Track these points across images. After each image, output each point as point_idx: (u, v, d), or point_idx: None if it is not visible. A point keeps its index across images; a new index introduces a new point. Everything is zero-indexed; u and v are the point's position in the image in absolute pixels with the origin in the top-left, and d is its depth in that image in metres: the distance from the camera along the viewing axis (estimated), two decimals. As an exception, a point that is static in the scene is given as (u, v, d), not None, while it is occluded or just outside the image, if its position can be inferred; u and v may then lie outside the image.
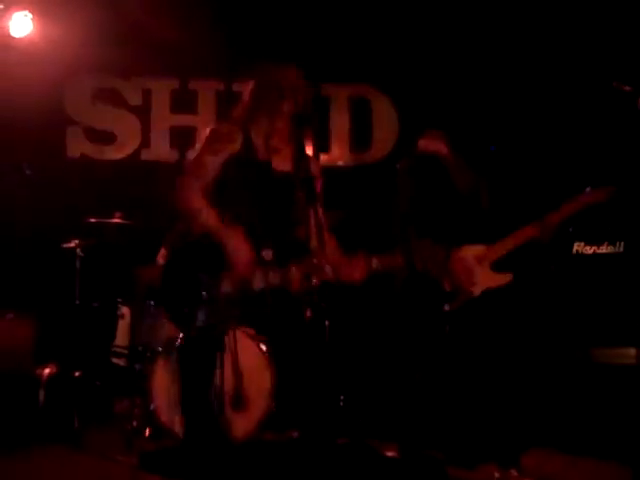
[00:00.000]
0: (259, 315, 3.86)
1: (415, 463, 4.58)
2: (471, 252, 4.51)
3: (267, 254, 3.77)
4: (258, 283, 3.77)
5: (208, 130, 3.91)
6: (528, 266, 4.60)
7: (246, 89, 3.93)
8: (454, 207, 4.62)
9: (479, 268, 4.50)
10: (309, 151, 3.86)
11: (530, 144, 5.89)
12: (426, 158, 4.73)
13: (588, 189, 4.44)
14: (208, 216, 3.71)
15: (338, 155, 7.10)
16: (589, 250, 5.33)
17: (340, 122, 7.14)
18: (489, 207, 4.61)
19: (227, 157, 3.80)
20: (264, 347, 4.89)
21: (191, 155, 4.00)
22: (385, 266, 3.81)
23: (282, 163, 3.89)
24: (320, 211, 3.67)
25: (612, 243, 5.21)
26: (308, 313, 4.57)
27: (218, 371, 4.02)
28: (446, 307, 4.52)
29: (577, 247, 5.37)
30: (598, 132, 5.98)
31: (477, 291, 4.51)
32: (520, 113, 6.23)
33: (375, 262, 3.80)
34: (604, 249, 5.27)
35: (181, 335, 4.05)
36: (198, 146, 3.94)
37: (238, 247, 3.68)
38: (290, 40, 6.55)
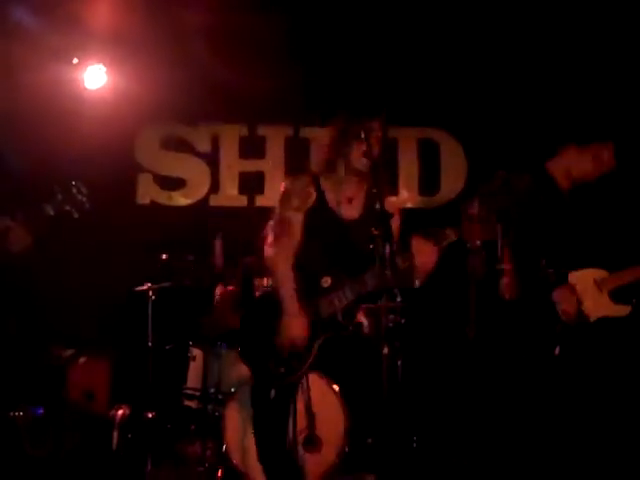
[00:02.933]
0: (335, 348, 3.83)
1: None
2: (591, 274, 4.34)
3: (325, 281, 3.77)
4: (326, 310, 3.80)
5: (282, 186, 3.98)
6: None
7: (325, 137, 3.96)
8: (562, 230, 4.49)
9: (597, 294, 4.33)
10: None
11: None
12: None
13: None
14: (286, 287, 3.80)
15: (406, 197, 7.08)
16: None
17: (409, 165, 7.13)
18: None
19: (306, 212, 3.88)
20: (337, 388, 4.86)
21: (276, 217, 3.96)
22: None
23: (353, 211, 3.93)
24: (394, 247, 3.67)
25: None
26: (385, 350, 4.54)
27: (291, 413, 4.02)
28: (557, 328, 4.36)
29: None
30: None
31: (593, 316, 4.33)
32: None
33: (450, 232, 3.76)
34: None
35: (256, 381, 4.03)
36: (277, 205, 3.98)
37: (293, 324, 3.75)
38: (359, 84, 6.59)
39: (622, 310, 4.30)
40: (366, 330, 4.47)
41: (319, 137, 4.04)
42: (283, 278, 3.81)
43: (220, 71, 6.59)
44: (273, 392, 3.90)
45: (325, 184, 3.93)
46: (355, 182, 3.93)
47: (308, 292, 3.83)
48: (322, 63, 6.76)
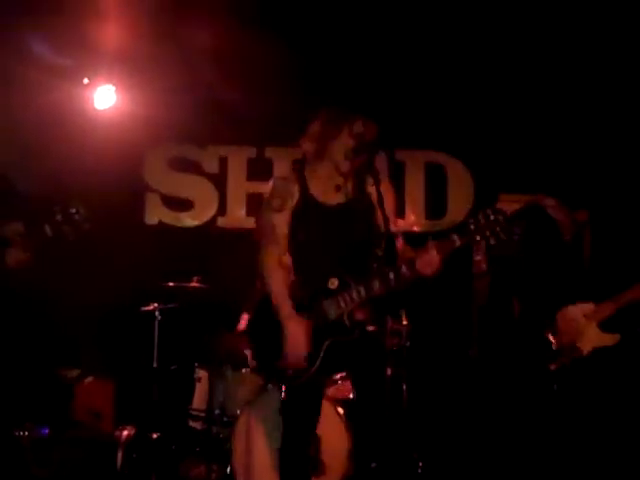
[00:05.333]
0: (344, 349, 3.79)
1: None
2: (580, 310, 4.44)
3: (332, 283, 3.76)
4: (332, 313, 3.74)
5: (269, 186, 3.94)
6: (635, 326, 4.47)
7: (311, 131, 3.91)
8: (558, 261, 4.57)
9: (588, 326, 4.42)
10: (388, 210, 3.78)
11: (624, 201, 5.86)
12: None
13: None
14: (277, 290, 3.75)
15: (413, 221, 7.09)
16: None
17: (415, 188, 7.15)
18: (590, 259, 4.54)
19: (291, 210, 3.83)
20: (341, 411, 4.86)
21: (258, 220, 3.97)
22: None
23: (340, 196, 3.88)
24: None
25: None
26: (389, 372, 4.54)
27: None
28: (552, 366, 4.42)
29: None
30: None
31: (586, 350, 4.42)
32: (604, 172, 6.23)
33: (455, 238, 3.61)
34: None
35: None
36: (260, 208, 3.97)
37: (296, 341, 3.68)
38: (366, 107, 6.59)
39: (611, 339, 4.41)
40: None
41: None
42: (272, 280, 3.76)
43: (228, 93, 6.62)
44: (284, 394, 3.86)
45: (309, 179, 3.87)
46: (341, 174, 3.86)
47: (314, 294, 3.76)
48: (331, 87, 6.78)
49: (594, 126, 6.56)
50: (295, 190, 3.85)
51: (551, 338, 4.47)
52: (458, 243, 3.58)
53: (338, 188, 3.87)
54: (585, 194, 6.22)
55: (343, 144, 3.80)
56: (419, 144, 7.12)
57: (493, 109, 6.89)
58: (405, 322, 5.53)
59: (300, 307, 3.76)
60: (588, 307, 4.45)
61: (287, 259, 3.85)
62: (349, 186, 3.88)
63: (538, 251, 4.53)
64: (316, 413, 3.91)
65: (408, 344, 5.57)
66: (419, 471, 5.33)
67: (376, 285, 3.68)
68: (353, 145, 3.78)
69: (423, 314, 5.81)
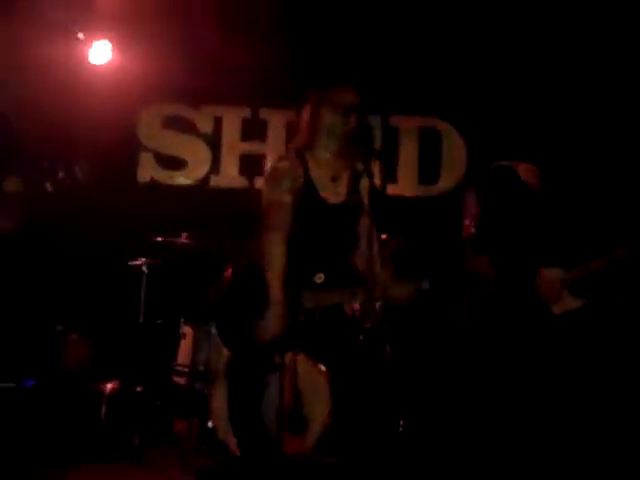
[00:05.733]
0: (311, 337, 3.84)
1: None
2: (551, 274, 4.58)
3: (319, 277, 3.78)
4: (308, 303, 3.76)
5: (271, 166, 3.94)
6: (602, 291, 4.59)
7: (303, 116, 3.93)
8: (533, 228, 4.63)
9: (560, 289, 4.58)
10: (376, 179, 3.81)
11: (603, 173, 5.87)
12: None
13: None
14: (274, 270, 3.71)
15: (406, 186, 7.09)
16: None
17: (409, 154, 7.15)
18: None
19: (295, 194, 3.81)
20: (323, 368, 4.90)
21: (266, 199, 3.83)
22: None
23: (338, 194, 3.89)
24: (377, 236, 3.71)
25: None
26: (361, 337, 4.58)
27: (278, 391, 4.03)
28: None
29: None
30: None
31: (557, 311, 4.59)
32: (592, 142, 6.23)
33: (425, 283, 3.74)
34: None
35: (232, 355, 4.04)
36: (265, 186, 3.90)
37: (273, 327, 3.68)
38: (361, 72, 6.60)
39: (579, 302, 4.57)
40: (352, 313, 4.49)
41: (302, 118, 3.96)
42: (273, 263, 3.72)
43: (225, 53, 6.62)
44: (251, 366, 3.89)
45: (310, 163, 3.87)
46: (338, 161, 3.91)
47: (298, 283, 3.76)
48: (326, 52, 6.77)
49: (586, 93, 6.55)
50: (300, 175, 3.83)
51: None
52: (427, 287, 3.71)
53: (334, 179, 3.87)
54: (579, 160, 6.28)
55: (330, 115, 3.81)
56: (414, 110, 7.11)
57: (490, 78, 6.86)
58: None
59: None
60: (560, 272, 4.57)
61: None
62: (345, 178, 3.90)
63: (512, 213, 4.61)
64: (260, 384, 3.87)
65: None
66: (400, 429, 5.39)
67: (360, 296, 3.75)
68: (338, 116, 3.79)
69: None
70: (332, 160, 3.88)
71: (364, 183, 3.87)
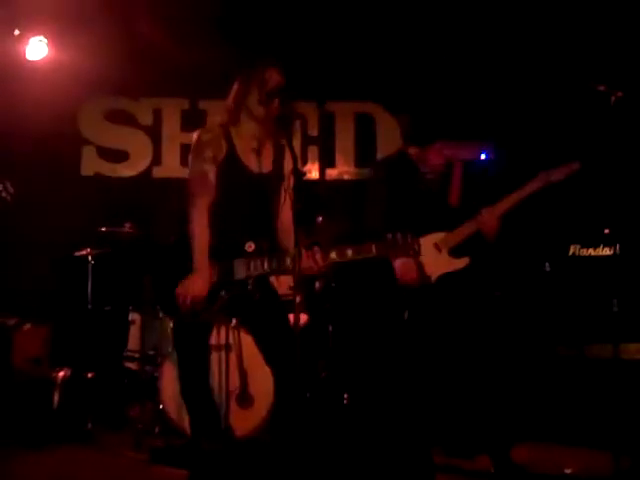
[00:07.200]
0: (243, 305, 3.98)
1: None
2: (429, 240, 4.61)
3: (249, 246, 3.95)
4: (240, 273, 3.92)
5: (195, 137, 4.05)
6: (486, 249, 4.70)
7: (231, 93, 4.07)
8: (422, 204, 4.74)
9: (436, 255, 4.63)
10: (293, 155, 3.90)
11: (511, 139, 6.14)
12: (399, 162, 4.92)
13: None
14: (198, 236, 3.89)
15: (343, 170, 7.32)
16: (585, 252, 5.53)
17: (345, 138, 7.37)
18: (458, 204, 4.76)
19: (218, 164, 3.96)
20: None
21: (189, 169, 4.03)
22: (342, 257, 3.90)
23: (262, 166, 4.03)
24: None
25: (609, 245, 5.39)
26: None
27: (223, 370, 4.20)
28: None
29: (573, 249, 5.58)
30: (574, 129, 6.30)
31: (434, 276, 4.62)
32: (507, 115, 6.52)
33: (334, 253, 3.89)
34: (600, 252, 5.47)
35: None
36: (189, 157, 4.05)
37: (195, 282, 3.85)
38: (296, 58, 6.75)
39: (460, 263, 4.63)
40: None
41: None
42: (197, 231, 3.90)
43: (162, 45, 6.73)
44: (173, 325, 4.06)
45: (234, 136, 4.01)
46: (260, 132, 4.02)
47: (228, 252, 3.93)
48: (262, 42, 6.90)
49: (519, 72, 6.77)
50: (223, 145, 3.98)
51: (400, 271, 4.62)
52: (374, 253, 3.86)
53: (257, 152, 4.02)
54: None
55: (255, 96, 3.96)
56: (349, 95, 7.31)
57: (422, 60, 7.05)
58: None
59: (213, 256, 3.92)
60: (439, 236, 4.64)
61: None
62: (268, 150, 4.05)
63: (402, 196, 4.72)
64: (203, 351, 4.03)
65: (333, 285, 5.84)
66: (345, 402, 5.60)
67: (287, 263, 3.87)
68: (262, 94, 3.93)
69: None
70: (256, 135, 4.02)
71: (287, 160, 3.99)
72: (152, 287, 4.89)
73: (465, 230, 4.62)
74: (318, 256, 3.84)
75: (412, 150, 4.86)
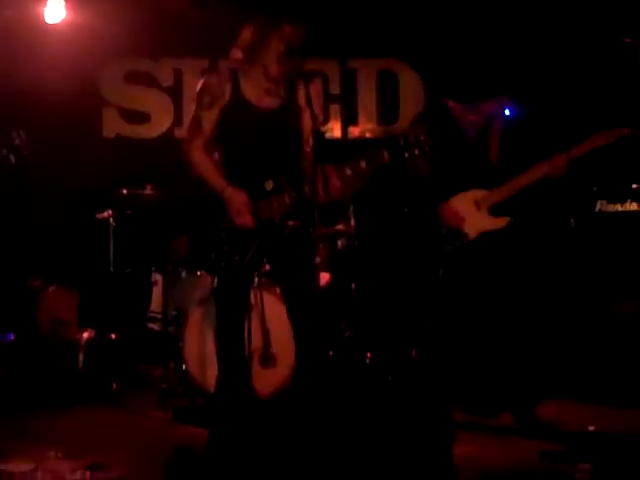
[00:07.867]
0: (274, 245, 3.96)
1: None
2: (469, 197, 4.60)
3: (268, 184, 3.92)
4: (264, 213, 3.91)
5: (199, 84, 4.06)
6: (530, 210, 4.68)
7: (244, 37, 4.02)
8: (462, 160, 4.71)
9: (476, 212, 4.60)
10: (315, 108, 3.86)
11: (540, 96, 6.03)
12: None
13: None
14: (206, 169, 3.93)
15: (366, 128, 7.24)
16: (612, 208, 5.43)
17: (367, 95, 7.28)
18: (497, 161, 4.70)
19: (220, 109, 3.95)
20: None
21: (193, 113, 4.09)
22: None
23: (272, 101, 3.98)
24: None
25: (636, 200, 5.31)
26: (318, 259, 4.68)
27: (246, 328, 4.20)
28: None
29: (600, 205, 5.48)
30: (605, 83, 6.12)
31: (472, 234, 4.60)
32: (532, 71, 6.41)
33: (384, 154, 3.86)
34: (628, 207, 5.38)
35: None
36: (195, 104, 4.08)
37: (232, 195, 3.86)
38: (318, 15, 6.65)
39: (500, 222, 4.59)
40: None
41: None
42: (200, 164, 3.94)
43: (181, 4, 6.66)
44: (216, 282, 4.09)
45: (242, 79, 3.97)
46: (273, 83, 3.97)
47: (251, 193, 3.90)
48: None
49: (541, 32, 6.65)
50: (227, 89, 3.95)
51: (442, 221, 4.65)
52: (386, 158, 3.82)
53: (269, 92, 3.98)
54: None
55: (274, 49, 3.89)
56: (371, 52, 7.21)
57: (446, 17, 6.93)
58: (353, 222, 5.74)
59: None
60: (480, 193, 4.60)
61: (216, 156, 4.01)
62: (280, 90, 4.00)
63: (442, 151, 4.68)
64: (244, 302, 4.12)
65: (356, 244, 5.80)
66: (367, 362, 5.59)
67: (307, 191, 3.85)
68: (283, 49, 3.86)
69: (371, 215, 6.06)
70: (265, 79, 3.96)
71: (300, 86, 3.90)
72: (189, 247, 4.91)
73: (519, 182, 4.53)
74: (333, 175, 3.78)
75: (453, 104, 4.78)
